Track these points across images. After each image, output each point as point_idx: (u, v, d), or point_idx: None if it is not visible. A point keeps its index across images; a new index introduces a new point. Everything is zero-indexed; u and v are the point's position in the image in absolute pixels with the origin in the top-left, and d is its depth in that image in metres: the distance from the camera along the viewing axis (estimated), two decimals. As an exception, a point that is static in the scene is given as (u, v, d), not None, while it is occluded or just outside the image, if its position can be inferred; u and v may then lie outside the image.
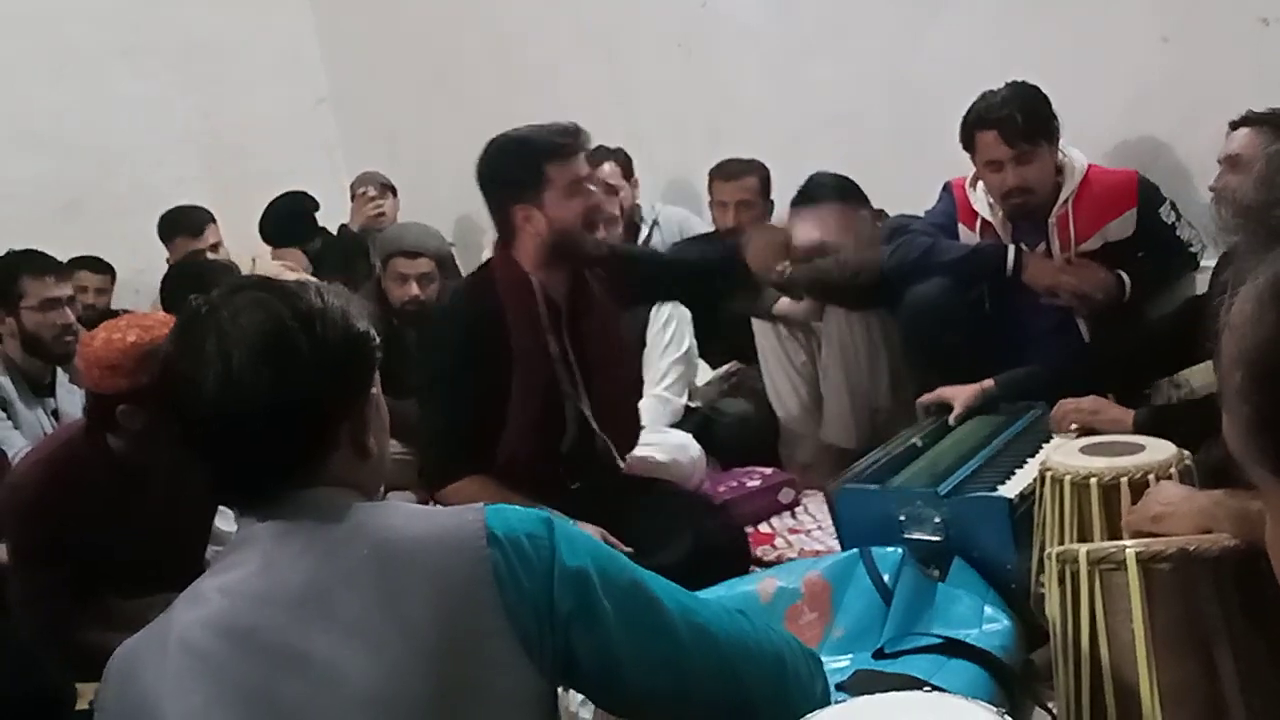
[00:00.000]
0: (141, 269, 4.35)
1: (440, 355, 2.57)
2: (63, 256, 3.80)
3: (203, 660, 1.12)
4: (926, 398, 2.85)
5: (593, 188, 2.54)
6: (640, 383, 2.79)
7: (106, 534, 2.28)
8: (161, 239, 4.37)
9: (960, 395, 2.77)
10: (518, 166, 2.48)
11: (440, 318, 2.65)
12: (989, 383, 2.78)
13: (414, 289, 3.57)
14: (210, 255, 4.16)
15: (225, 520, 2.59)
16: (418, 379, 2.66)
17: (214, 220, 4.35)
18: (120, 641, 1.21)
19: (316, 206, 4.95)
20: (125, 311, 3.31)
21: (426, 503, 2.66)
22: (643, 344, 3.41)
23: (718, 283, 2.83)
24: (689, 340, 3.51)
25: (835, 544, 2.55)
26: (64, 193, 4.83)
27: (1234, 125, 2.40)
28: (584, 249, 2.54)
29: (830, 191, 3.43)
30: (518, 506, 1.24)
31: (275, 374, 1.17)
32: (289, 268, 4.17)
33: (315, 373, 1.19)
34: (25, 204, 4.62)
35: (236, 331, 1.18)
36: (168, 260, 4.25)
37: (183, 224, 4.31)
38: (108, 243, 4.52)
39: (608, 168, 4.26)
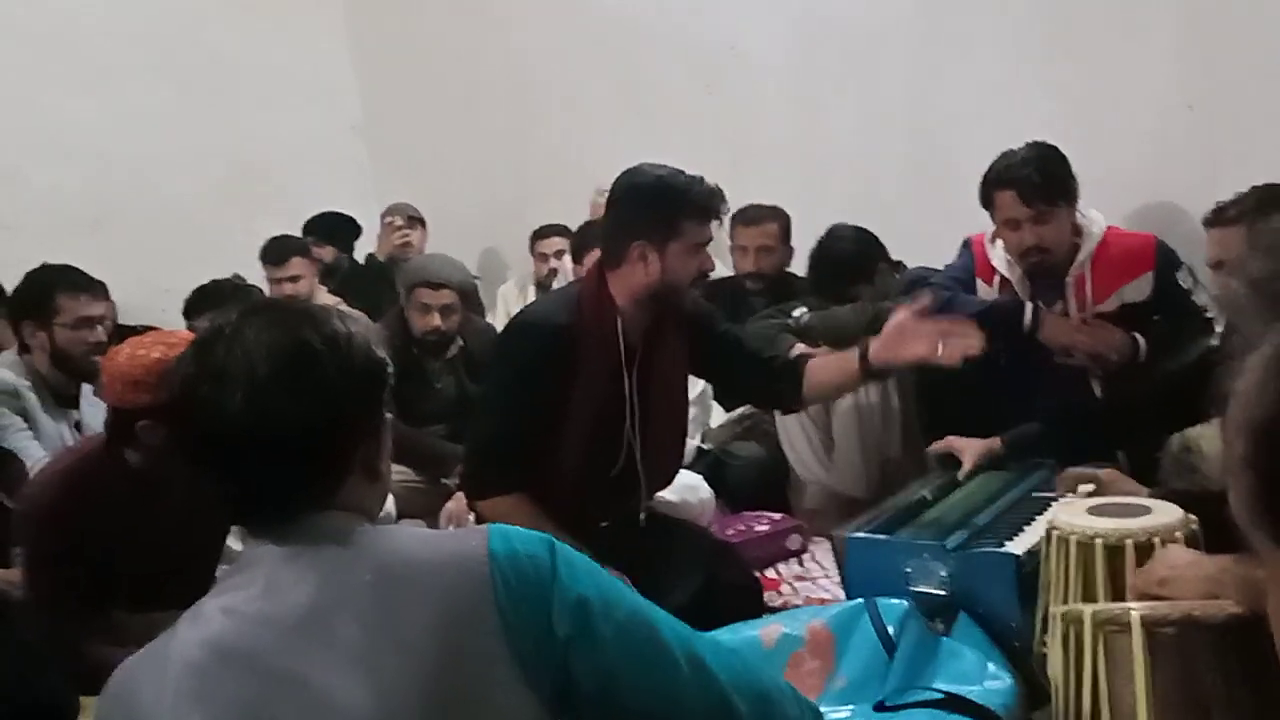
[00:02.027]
0: (167, 288, 4.40)
1: (508, 366, 2.56)
2: (88, 269, 3.85)
3: (201, 680, 1.13)
4: (936, 446, 2.86)
5: (708, 255, 2.57)
6: (685, 434, 2.79)
7: (120, 548, 2.30)
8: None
9: (969, 450, 2.78)
10: (661, 207, 2.46)
11: (518, 329, 2.60)
12: (997, 442, 2.79)
13: (436, 319, 3.61)
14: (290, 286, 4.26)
15: (238, 540, 2.61)
16: (484, 382, 2.63)
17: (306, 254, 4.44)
18: (125, 656, 1.21)
19: (359, 232, 5.06)
20: (151, 328, 3.36)
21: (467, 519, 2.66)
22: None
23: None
24: (703, 382, 3.52)
25: (841, 593, 2.55)
26: (92, 206, 4.88)
27: (1207, 225, 2.36)
28: (680, 304, 2.57)
29: (849, 244, 3.47)
30: (522, 529, 1.23)
31: (301, 395, 1.18)
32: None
33: (340, 395, 1.20)
34: (55, 216, 4.68)
35: (261, 352, 1.18)
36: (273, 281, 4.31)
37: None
38: (133, 257, 4.58)
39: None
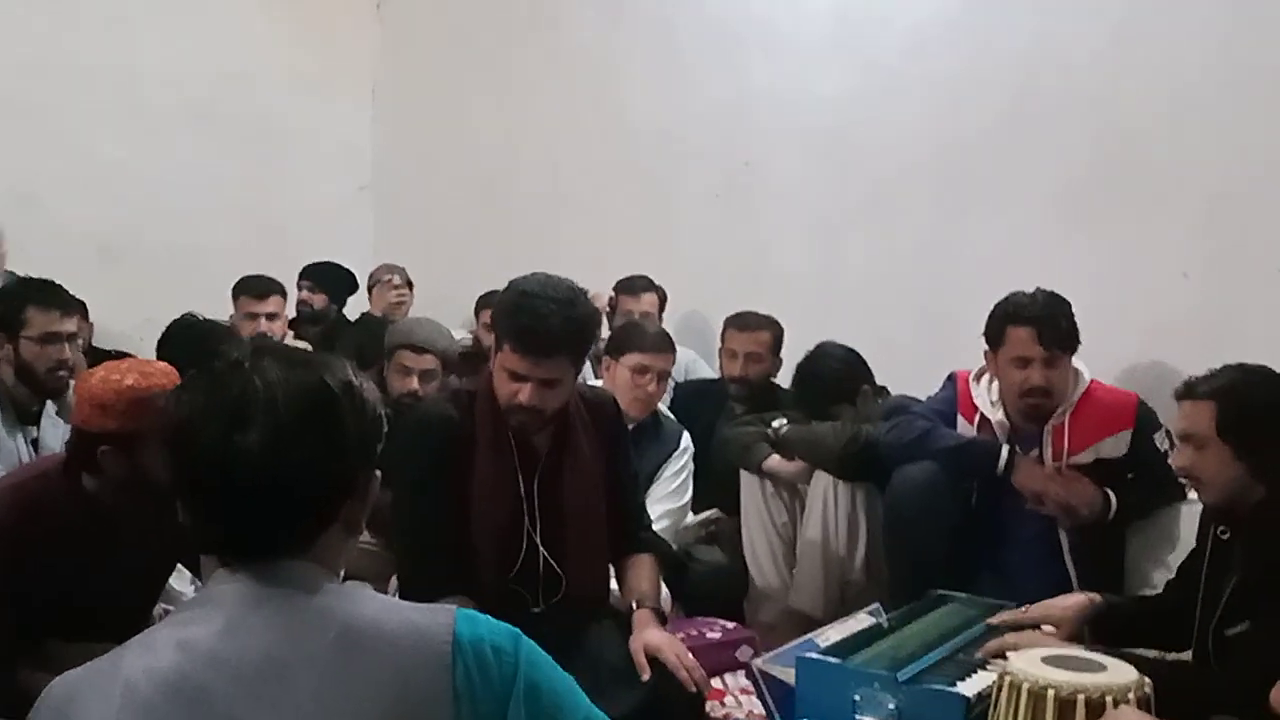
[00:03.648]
0: (149, 317, 4.40)
1: (400, 464, 2.43)
2: (93, 300, 3.85)
3: (146, 711, 1.11)
4: (989, 648, 2.41)
5: (529, 389, 2.40)
6: (622, 528, 2.71)
7: (65, 573, 2.24)
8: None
9: (1065, 621, 2.50)
10: (498, 319, 2.46)
11: (407, 425, 2.56)
12: (1096, 598, 2.54)
13: (414, 383, 3.59)
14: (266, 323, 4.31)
15: (179, 579, 2.56)
16: (396, 486, 2.60)
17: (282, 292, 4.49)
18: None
19: (356, 287, 5.13)
20: (125, 354, 3.34)
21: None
22: (650, 481, 3.39)
23: None
24: (689, 495, 3.51)
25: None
26: (105, 239, 4.95)
27: (1178, 397, 2.38)
28: (529, 425, 2.46)
29: (837, 362, 3.49)
30: (490, 618, 1.22)
31: (320, 441, 1.17)
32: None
33: (352, 445, 1.20)
34: (68, 245, 4.74)
35: (285, 391, 1.17)
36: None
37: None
38: (133, 291, 4.60)
39: (645, 297, 4.37)
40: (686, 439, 3.50)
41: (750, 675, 2.55)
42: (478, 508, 2.47)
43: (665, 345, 3.53)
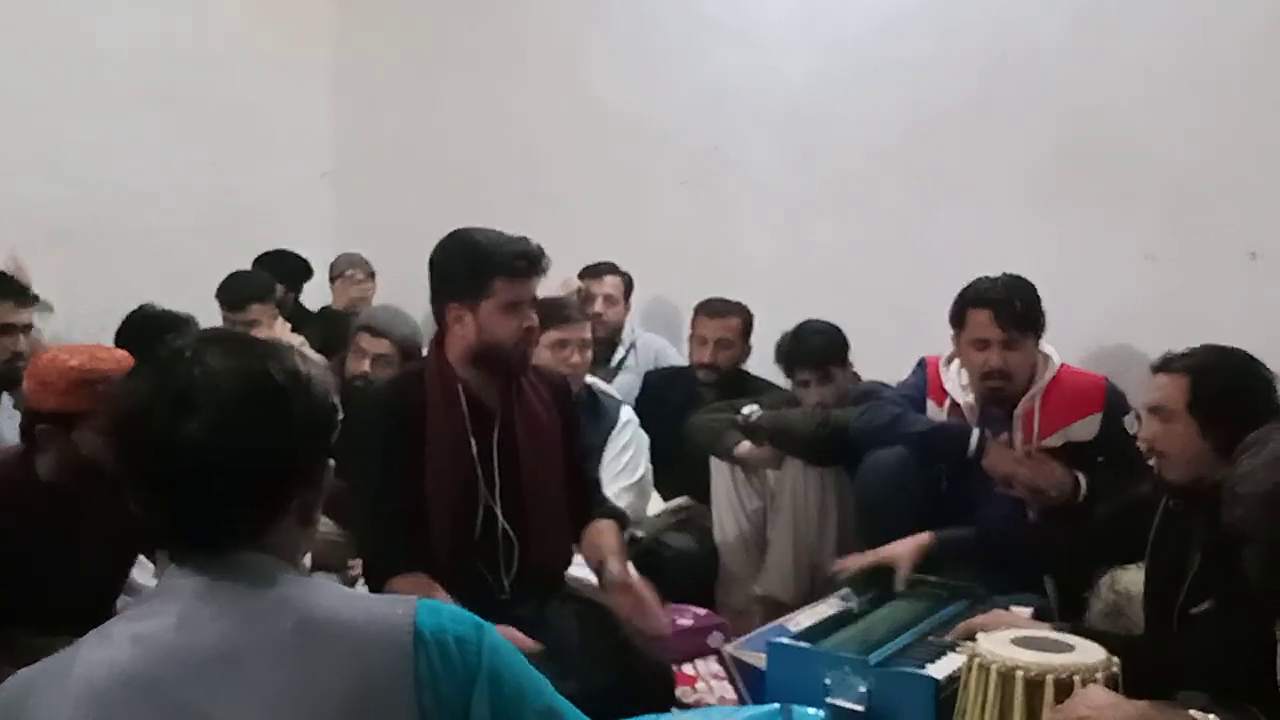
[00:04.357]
0: (109, 308, 4.33)
1: (353, 445, 2.44)
2: (48, 284, 3.78)
3: (101, 705, 1.10)
4: (866, 559, 2.80)
5: (532, 313, 2.53)
6: (582, 498, 2.72)
7: (23, 562, 2.22)
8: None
9: (901, 557, 2.76)
10: (469, 267, 2.49)
11: (364, 406, 2.59)
12: (925, 537, 2.78)
13: (365, 365, 3.56)
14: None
15: (140, 571, 2.53)
16: (349, 471, 2.60)
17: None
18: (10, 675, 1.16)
19: (311, 274, 5.09)
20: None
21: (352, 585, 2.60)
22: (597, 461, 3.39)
23: None
24: (644, 468, 3.50)
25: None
26: (62, 223, 4.86)
27: (1155, 370, 2.40)
28: (509, 365, 2.54)
29: (819, 338, 3.49)
30: (453, 606, 1.22)
31: (261, 429, 1.16)
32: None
33: (296, 434, 1.19)
34: (24, 228, 4.64)
35: (226, 379, 1.16)
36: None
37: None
38: (90, 276, 4.52)
39: (609, 280, 4.34)
40: (626, 412, 3.52)
41: (722, 660, 2.55)
42: (432, 470, 2.48)
43: (577, 315, 3.55)
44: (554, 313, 3.46)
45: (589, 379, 3.59)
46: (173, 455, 1.15)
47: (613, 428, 3.45)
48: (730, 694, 2.81)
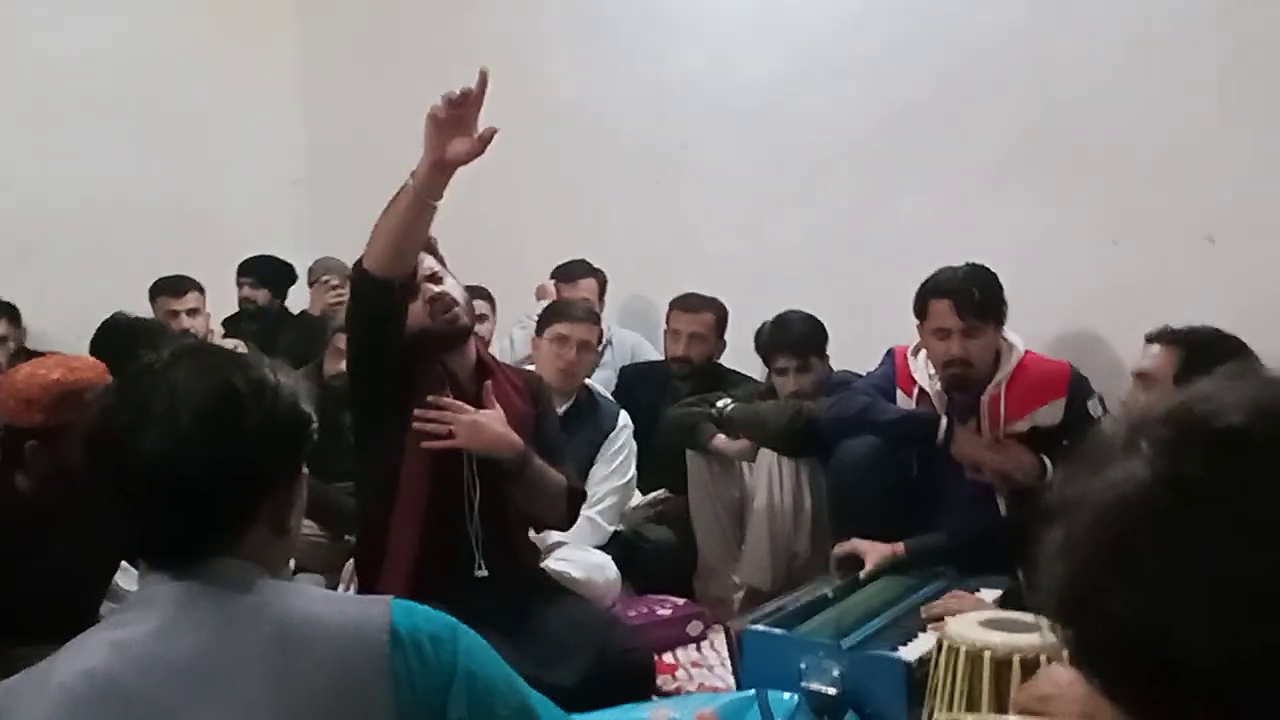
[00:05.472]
0: (74, 317, 4.31)
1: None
2: (14, 298, 3.78)
3: (81, 714, 1.11)
4: (840, 549, 2.91)
5: (432, 286, 2.62)
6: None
7: (6, 573, 2.23)
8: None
9: (871, 553, 2.84)
10: None
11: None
12: (900, 547, 2.86)
13: (340, 364, 3.59)
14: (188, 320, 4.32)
15: (126, 578, 2.55)
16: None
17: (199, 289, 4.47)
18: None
19: (295, 279, 5.09)
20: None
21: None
22: (590, 462, 3.43)
23: None
24: (632, 472, 3.54)
25: (735, 683, 2.56)
26: (23, 235, 4.84)
27: (1149, 339, 2.46)
28: (444, 338, 2.61)
29: (801, 326, 3.54)
30: (427, 607, 1.24)
31: (219, 441, 1.18)
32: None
33: (258, 445, 1.20)
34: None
35: (188, 394, 1.18)
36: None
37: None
38: (56, 290, 4.53)
39: (584, 283, 4.37)
40: (624, 417, 3.55)
41: (728, 635, 2.60)
42: (413, 443, 2.51)
43: (586, 316, 3.59)
44: (562, 308, 3.61)
45: (588, 381, 3.63)
46: (135, 467, 1.18)
47: (612, 428, 3.49)
48: (709, 681, 2.87)
